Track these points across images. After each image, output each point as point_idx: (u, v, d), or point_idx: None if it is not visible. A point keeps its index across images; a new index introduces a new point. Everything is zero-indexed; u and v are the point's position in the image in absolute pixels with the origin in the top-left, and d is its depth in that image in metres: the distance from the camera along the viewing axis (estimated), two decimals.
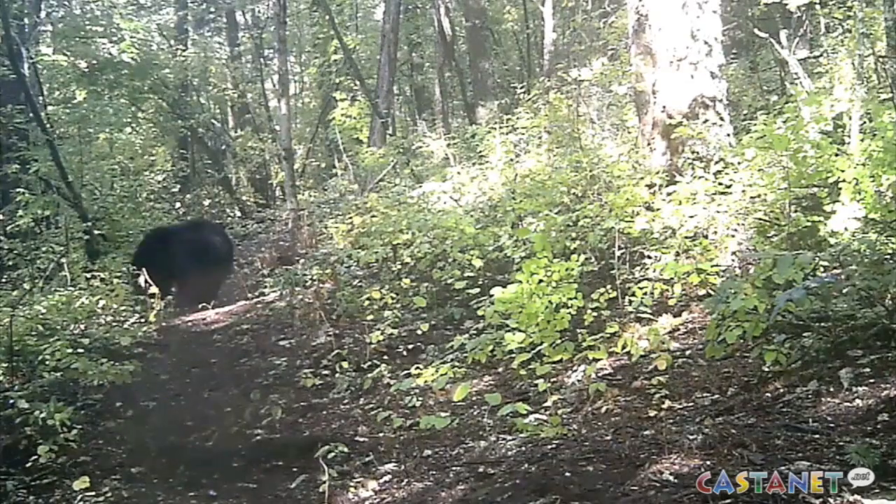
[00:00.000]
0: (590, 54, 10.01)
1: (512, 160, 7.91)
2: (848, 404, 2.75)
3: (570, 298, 4.29)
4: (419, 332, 5.25)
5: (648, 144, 6.03)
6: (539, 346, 4.07)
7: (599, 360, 3.91)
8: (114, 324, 6.80)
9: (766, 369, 3.37)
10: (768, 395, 3.14)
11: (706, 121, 5.68)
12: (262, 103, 17.93)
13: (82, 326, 6.66)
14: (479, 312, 4.68)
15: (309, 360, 5.31)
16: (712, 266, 4.59)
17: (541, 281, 4.24)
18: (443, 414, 3.75)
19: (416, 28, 16.66)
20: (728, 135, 5.85)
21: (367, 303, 5.93)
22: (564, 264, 4.40)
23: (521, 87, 10.12)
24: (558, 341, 4.10)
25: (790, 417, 2.76)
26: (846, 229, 4.34)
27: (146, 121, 15.84)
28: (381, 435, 3.81)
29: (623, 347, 4.04)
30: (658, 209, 5.04)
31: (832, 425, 2.59)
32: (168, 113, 15.42)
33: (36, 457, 3.95)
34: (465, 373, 4.27)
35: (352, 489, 3.19)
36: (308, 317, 6.07)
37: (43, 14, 13.50)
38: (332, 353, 5.17)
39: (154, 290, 7.27)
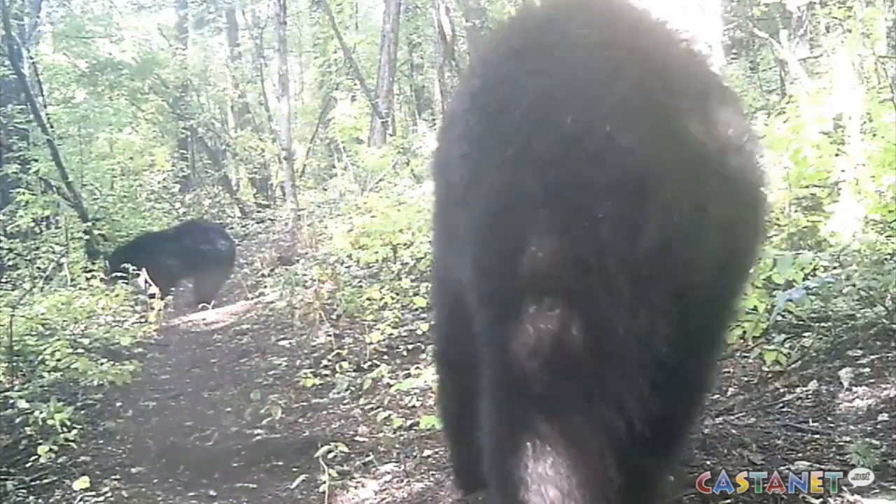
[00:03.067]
0: None
1: None
2: (848, 404, 2.75)
3: None
4: (419, 332, 5.25)
5: None
6: None
7: None
8: (114, 324, 6.81)
9: (766, 369, 3.37)
10: (768, 395, 3.14)
11: None
12: (262, 103, 17.94)
13: (82, 326, 6.67)
14: None
15: (309, 360, 5.31)
16: None
17: None
18: None
19: (416, 28, 16.66)
20: None
21: (367, 303, 5.93)
22: None
23: None
24: None
25: (790, 417, 2.76)
26: (846, 229, 4.34)
27: (146, 121, 15.85)
28: (381, 435, 3.80)
29: None
30: None
31: (832, 425, 2.59)
32: (168, 113, 15.45)
33: (36, 457, 3.95)
34: None
35: (352, 489, 3.19)
36: (308, 317, 6.07)
37: (43, 14, 13.51)
38: (332, 353, 5.17)
39: (154, 290, 7.29)
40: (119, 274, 7.75)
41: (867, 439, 2.32)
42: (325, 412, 4.42)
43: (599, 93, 1.55)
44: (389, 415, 3.97)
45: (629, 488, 1.65)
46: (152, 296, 7.27)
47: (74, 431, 4.22)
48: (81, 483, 3.54)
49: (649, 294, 1.54)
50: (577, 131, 1.53)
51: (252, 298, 7.72)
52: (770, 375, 3.33)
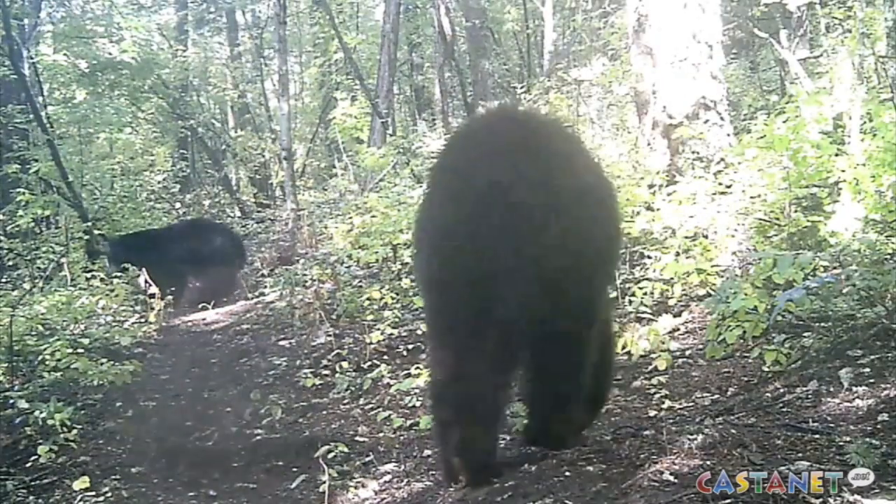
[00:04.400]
0: (590, 54, 10.01)
1: None
2: (848, 404, 2.75)
3: None
4: (419, 332, 5.25)
5: (648, 145, 6.03)
6: None
7: None
8: (114, 324, 6.81)
9: (766, 369, 3.37)
10: (768, 395, 3.14)
11: (707, 121, 5.67)
12: (262, 103, 17.91)
13: (82, 326, 6.66)
14: None
15: (309, 360, 5.31)
16: (712, 266, 4.59)
17: None
18: None
19: (416, 28, 16.65)
20: (728, 135, 5.85)
21: (367, 303, 5.93)
22: None
23: (521, 87, 10.11)
24: None
25: (790, 417, 2.76)
26: (846, 229, 4.34)
27: (146, 121, 15.83)
28: (381, 435, 3.81)
29: (623, 347, 4.04)
30: (658, 209, 5.04)
31: (832, 425, 2.59)
32: (168, 113, 15.42)
33: (36, 457, 3.96)
34: None
35: (352, 489, 3.19)
36: (308, 317, 6.07)
37: (43, 14, 13.49)
38: (332, 353, 5.17)
39: (154, 290, 7.28)
40: (118, 274, 7.75)
41: (867, 439, 2.32)
42: (325, 412, 4.42)
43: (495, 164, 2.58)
44: (389, 415, 3.98)
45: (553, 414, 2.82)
46: (152, 296, 7.26)
47: (74, 431, 4.23)
48: (81, 483, 3.54)
49: (522, 262, 2.51)
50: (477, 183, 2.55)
51: (252, 298, 7.71)
52: (770, 375, 3.34)
